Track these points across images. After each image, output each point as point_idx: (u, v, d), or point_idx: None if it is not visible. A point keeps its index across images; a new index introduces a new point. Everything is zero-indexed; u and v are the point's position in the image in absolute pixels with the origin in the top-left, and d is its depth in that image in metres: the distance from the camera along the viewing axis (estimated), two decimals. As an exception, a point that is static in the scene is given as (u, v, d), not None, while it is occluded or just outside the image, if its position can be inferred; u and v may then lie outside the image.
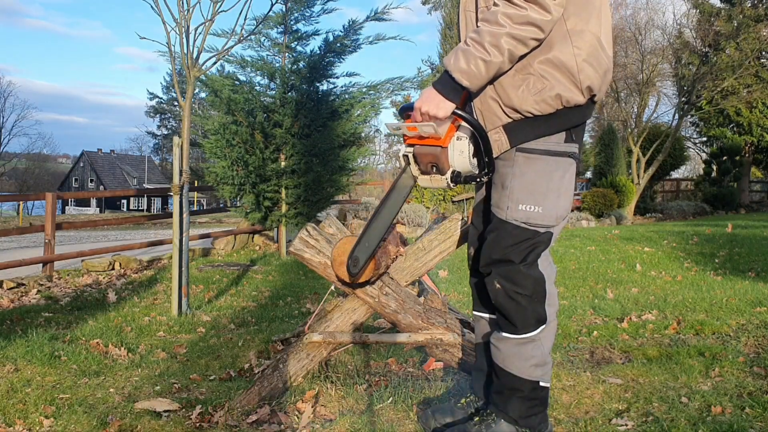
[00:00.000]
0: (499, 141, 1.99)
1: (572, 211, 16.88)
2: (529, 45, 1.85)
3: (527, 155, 1.98)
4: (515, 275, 1.99)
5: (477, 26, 1.91)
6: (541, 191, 1.98)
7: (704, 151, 25.58)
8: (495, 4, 1.86)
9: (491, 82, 1.94)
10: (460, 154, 1.99)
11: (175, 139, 4.97)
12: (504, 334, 2.04)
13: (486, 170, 2.01)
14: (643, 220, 18.31)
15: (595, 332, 3.70)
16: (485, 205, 2.17)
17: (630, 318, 3.97)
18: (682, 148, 22.72)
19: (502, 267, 2.00)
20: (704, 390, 2.59)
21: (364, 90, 9.43)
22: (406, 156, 2.10)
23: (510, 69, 1.92)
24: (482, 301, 2.23)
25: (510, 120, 1.97)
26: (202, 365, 3.50)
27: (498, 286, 2.00)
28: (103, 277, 7.27)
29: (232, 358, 3.60)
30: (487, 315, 2.23)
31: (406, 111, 2.08)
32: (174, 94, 50.86)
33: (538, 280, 2.01)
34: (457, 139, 1.99)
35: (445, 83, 1.91)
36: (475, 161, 2.02)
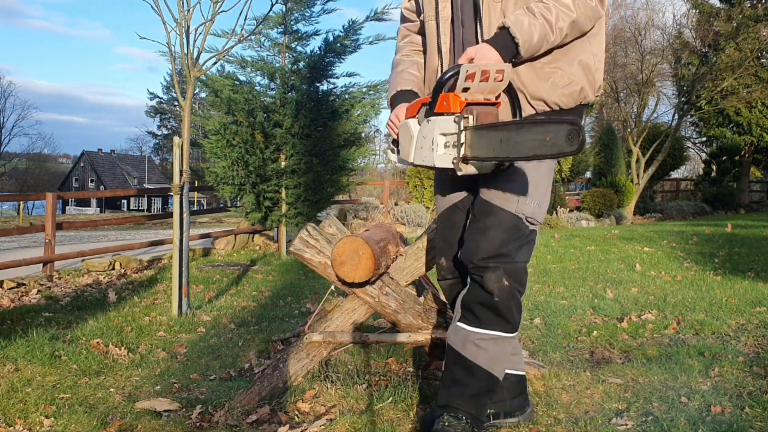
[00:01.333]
0: None
1: (572, 211, 16.95)
2: (575, 35, 1.89)
3: None
4: (520, 274, 1.98)
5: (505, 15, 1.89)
6: (543, 188, 1.99)
7: (704, 151, 25.58)
8: None
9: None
10: None
11: (176, 139, 4.98)
12: (497, 333, 1.99)
13: None
14: (643, 220, 18.31)
15: (595, 332, 3.70)
16: (475, 200, 2.08)
17: (630, 318, 3.97)
18: (682, 148, 22.72)
19: (508, 264, 1.96)
20: (704, 390, 2.60)
21: (364, 90, 9.43)
22: (465, 118, 1.75)
23: (537, 60, 1.93)
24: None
25: (533, 112, 1.97)
26: (202, 365, 3.51)
27: (506, 283, 1.95)
28: (104, 277, 7.27)
29: (232, 358, 3.61)
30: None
31: (446, 84, 1.81)
32: (174, 94, 50.85)
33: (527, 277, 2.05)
34: None
35: (506, 45, 1.85)
36: None
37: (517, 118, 1.90)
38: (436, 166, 1.79)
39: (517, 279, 1.97)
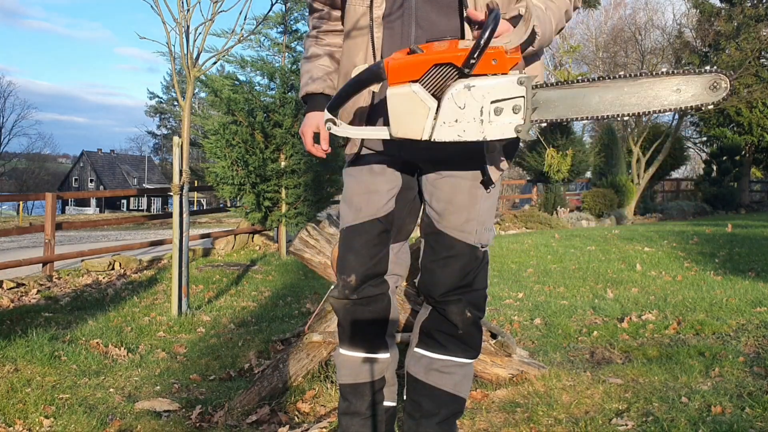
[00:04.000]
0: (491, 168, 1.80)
1: (572, 211, 16.97)
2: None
3: (501, 174, 1.86)
4: (482, 302, 1.88)
5: None
6: (493, 212, 1.90)
7: (704, 151, 25.59)
8: None
9: None
10: None
11: (175, 139, 4.97)
12: (462, 360, 1.90)
13: None
14: (644, 220, 18.31)
15: (595, 332, 3.70)
16: (426, 229, 1.87)
17: (630, 318, 3.97)
18: (682, 148, 22.73)
19: (470, 295, 1.85)
20: (704, 390, 2.59)
21: (363, 90, 9.42)
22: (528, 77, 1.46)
23: None
24: (364, 336, 1.94)
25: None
26: (202, 365, 3.50)
27: (469, 315, 1.85)
28: (103, 277, 7.27)
29: (232, 358, 3.60)
30: (360, 354, 1.95)
31: (489, 42, 1.42)
32: (174, 94, 50.85)
33: None
34: None
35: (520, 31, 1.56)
36: None
37: None
38: (488, 139, 1.50)
39: (478, 307, 1.87)
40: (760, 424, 2.23)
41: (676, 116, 20.38)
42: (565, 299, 4.85)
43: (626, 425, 2.28)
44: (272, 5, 6.13)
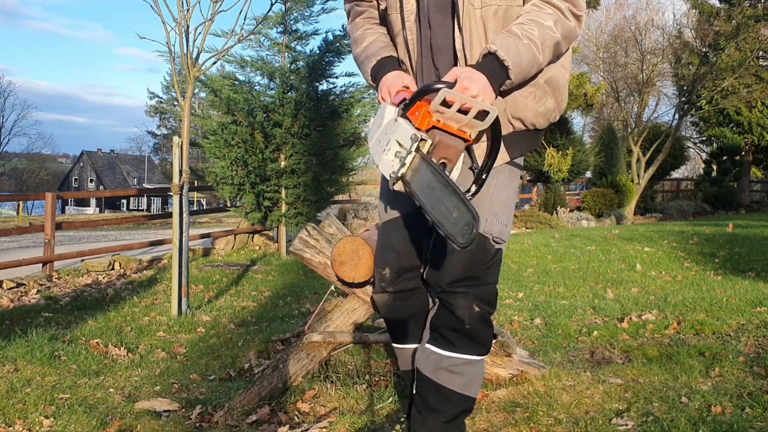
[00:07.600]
0: (501, 153, 1.84)
1: (572, 211, 16.97)
2: (554, 58, 1.80)
3: (512, 169, 1.90)
4: (491, 296, 1.89)
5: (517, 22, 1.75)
6: (510, 207, 1.92)
7: (704, 151, 25.58)
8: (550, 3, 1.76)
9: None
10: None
11: (175, 139, 4.97)
12: (470, 357, 1.90)
13: (483, 176, 1.76)
14: (644, 220, 18.30)
15: (595, 332, 3.70)
16: (416, 219, 1.90)
17: (630, 318, 3.97)
18: (682, 147, 22.72)
19: (478, 288, 1.86)
20: (704, 390, 2.59)
21: (363, 90, 9.43)
22: (423, 141, 1.61)
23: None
24: (407, 330, 2.02)
25: (511, 131, 1.85)
26: (202, 365, 3.51)
27: (477, 309, 1.85)
28: (103, 277, 7.27)
29: (231, 358, 3.60)
30: (411, 345, 2.03)
31: (427, 93, 1.65)
32: (174, 94, 50.82)
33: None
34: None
35: (494, 72, 1.67)
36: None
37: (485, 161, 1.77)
38: (379, 167, 1.69)
39: (487, 302, 1.88)
40: (760, 424, 2.23)
41: (677, 116, 20.40)
42: (565, 299, 4.85)
43: (626, 425, 2.29)
44: (272, 5, 6.13)
